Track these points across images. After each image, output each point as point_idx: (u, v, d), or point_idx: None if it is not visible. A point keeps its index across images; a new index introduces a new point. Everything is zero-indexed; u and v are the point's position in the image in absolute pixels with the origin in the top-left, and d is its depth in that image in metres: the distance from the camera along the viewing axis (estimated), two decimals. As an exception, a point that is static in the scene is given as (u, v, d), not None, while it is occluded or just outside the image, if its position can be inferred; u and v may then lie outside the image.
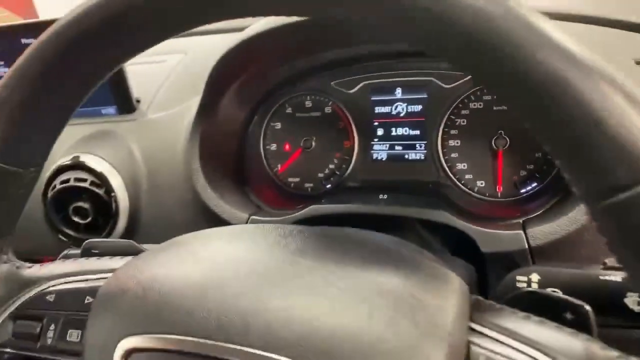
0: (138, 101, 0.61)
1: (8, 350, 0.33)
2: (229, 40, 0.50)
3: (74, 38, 0.24)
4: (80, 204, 0.55)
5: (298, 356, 0.21)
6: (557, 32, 0.18)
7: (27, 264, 0.34)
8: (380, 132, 0.57)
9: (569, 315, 0.25)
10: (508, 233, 0.43)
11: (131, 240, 0.36)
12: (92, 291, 0.32)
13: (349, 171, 0.57)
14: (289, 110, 0.60)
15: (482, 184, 0.53)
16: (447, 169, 0.54)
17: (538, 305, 0.26)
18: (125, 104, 0.60)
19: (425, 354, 0.21)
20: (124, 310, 0.26)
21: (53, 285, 0.33)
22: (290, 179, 0.60)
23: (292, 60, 0.56)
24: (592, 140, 0.17)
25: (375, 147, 0.57)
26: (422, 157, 0.55)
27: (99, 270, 0.33)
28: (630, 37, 0.50)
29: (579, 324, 0.25)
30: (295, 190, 0.60)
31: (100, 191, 0.54)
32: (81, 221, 0.56)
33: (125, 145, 0.58)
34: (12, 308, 0.33)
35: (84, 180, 0.54)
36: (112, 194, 0.54)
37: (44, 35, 0.25)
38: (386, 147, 0.57)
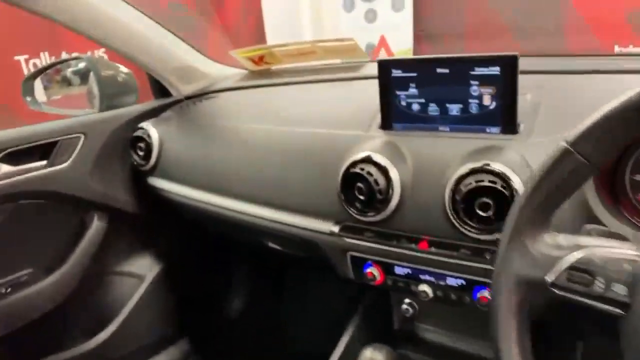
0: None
1: (557, 291, 0.46)
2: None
3: None
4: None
5: None
6: None
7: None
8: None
9: None
10: None
11: None
12: (632, 261, 0.42)
13: None
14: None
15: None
16: None
17: None
18: (511, 125, 0.75)
19: None
20: None
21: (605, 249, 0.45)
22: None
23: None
24: None
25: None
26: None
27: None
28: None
29: None
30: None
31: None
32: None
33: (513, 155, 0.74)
34: (568, 260, 0.46)
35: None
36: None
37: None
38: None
